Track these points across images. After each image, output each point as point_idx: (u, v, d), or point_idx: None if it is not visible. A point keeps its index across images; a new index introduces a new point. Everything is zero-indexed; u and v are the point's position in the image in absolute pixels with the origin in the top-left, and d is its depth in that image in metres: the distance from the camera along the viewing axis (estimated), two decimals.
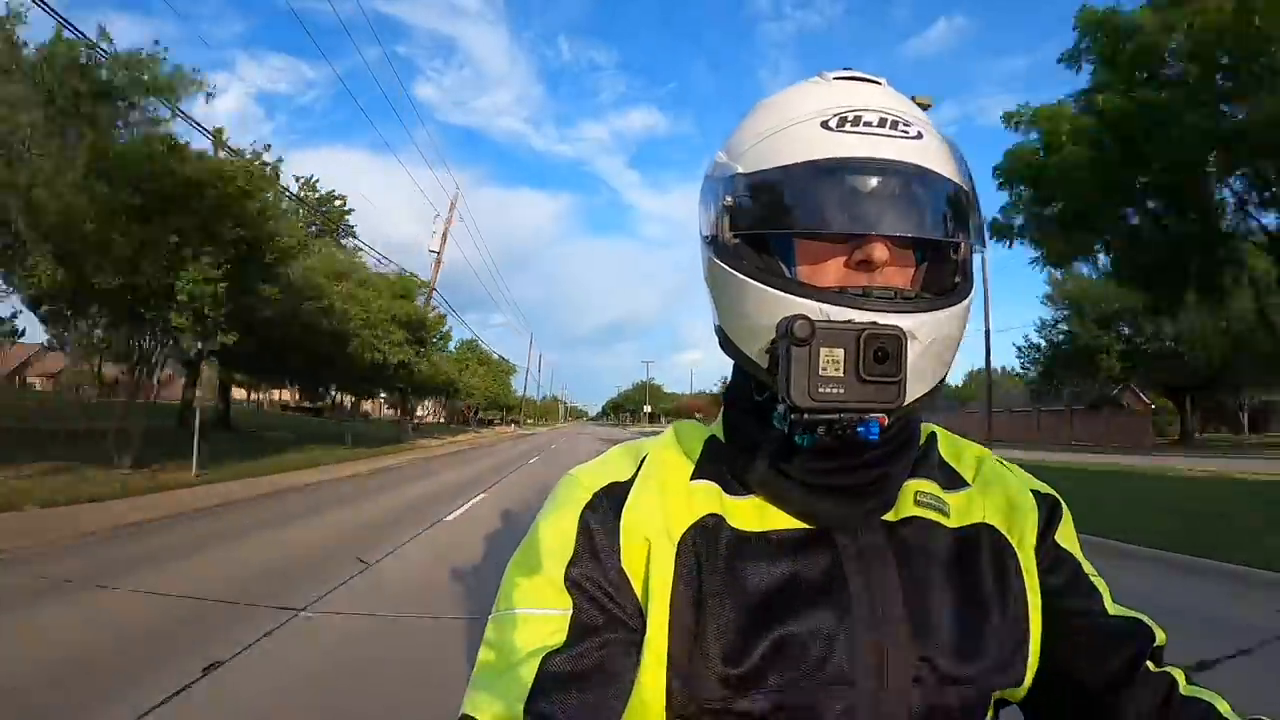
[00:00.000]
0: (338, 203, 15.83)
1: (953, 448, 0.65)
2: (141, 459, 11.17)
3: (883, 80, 0.56)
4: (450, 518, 8.31)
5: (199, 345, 10.70)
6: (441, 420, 63.16)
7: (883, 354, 0.45)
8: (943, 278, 0.54)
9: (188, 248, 9.74)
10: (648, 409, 79.14)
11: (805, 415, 0.45)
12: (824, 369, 0.44)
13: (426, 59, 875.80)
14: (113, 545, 6.01)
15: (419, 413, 49.44)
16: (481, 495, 10.54)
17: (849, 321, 0.46)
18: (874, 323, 0.46)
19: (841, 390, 0.44)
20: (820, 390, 0.44)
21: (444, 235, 26.35)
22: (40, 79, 7.46)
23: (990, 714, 0.57)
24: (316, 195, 13.95)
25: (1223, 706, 0.52)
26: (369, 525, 7.61)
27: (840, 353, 0.45)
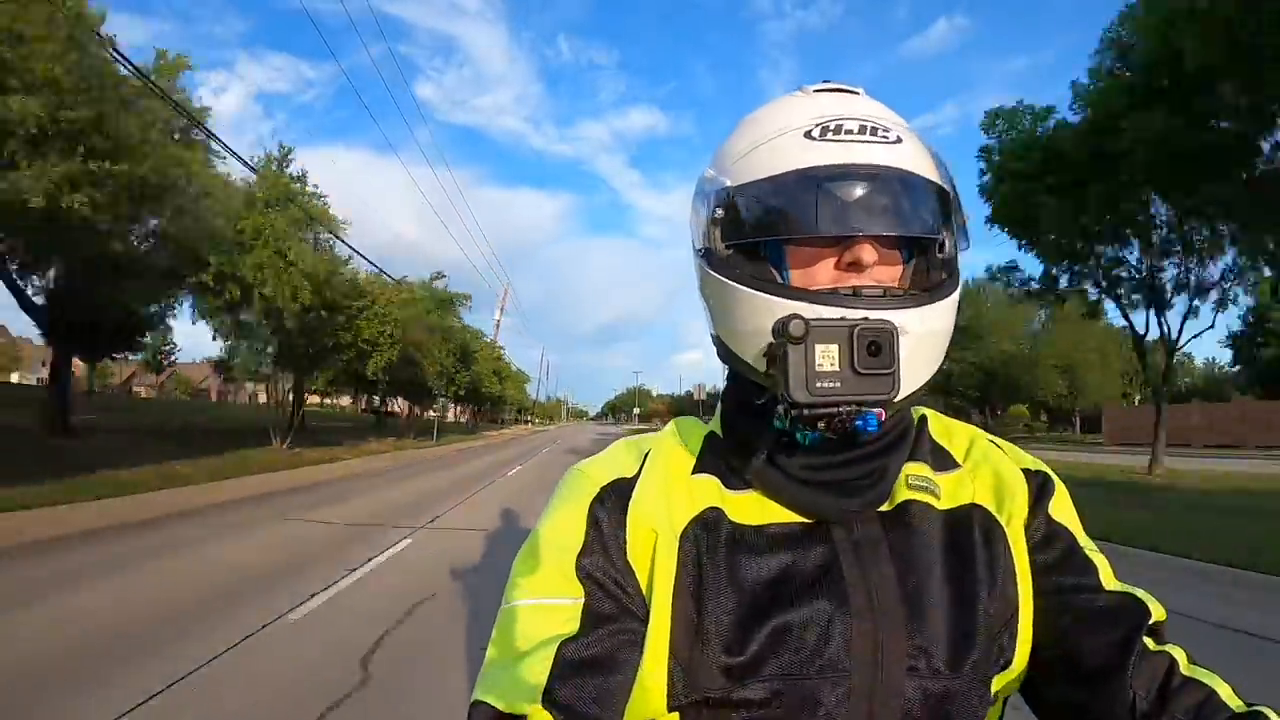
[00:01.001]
0: (442, 281, 32.02)
1: (944, 429, 0.65)
2: (405, 437, 27.13)
3: (860, 90, 0.58)
4: (544, 453, 24.56)
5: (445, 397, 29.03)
6: (466, 419, 79.70)
7: (876, 347, 0.46)
8: (930, 275, 0.56)
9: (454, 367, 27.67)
10: (637, 411, 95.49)
11: (805, 411, 0.47)
12: (820, 365, 0.46)
13: (426, 58, 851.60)
14: (448, 459, 21.86)
15: (450, 414, 66.18)
16: (548, 449, 26.62)
17: (842, 318, 0.48)
18: (865, 318, 0.48)
19: (838, 384, 0.46)
20: (818, 385, 0.46)
21: (501, 308, 42.91)
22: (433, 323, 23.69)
23: (999, 708, 0.57)
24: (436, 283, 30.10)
25: (1223, 689, 0.50)
26: (523, 453, 23.60)
27: (835, 348, 0.46)
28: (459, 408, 50.15)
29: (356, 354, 18.94)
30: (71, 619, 3.94)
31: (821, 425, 0.48)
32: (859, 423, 0.47)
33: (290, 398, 18.90)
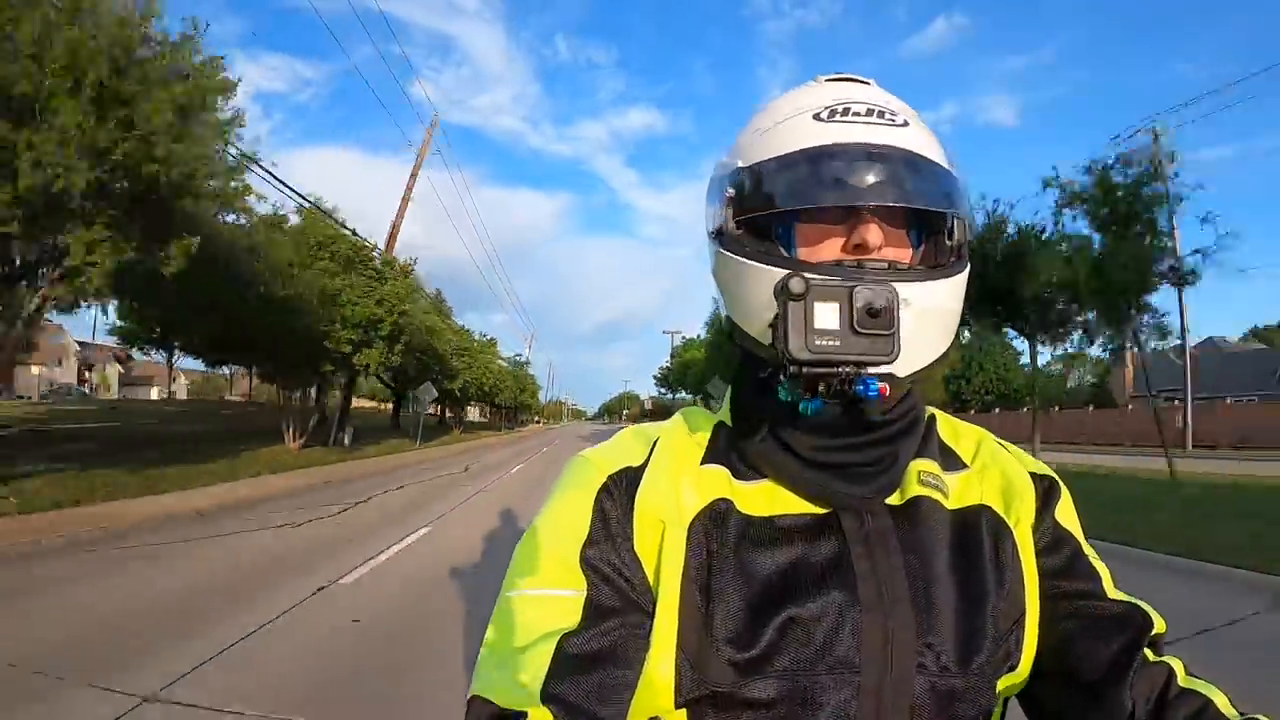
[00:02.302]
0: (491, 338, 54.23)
1: (952, 430, 0.65)
2: (477, 430, 49.46)
3: (872, 81, 0.60)
4: (563, 438, 47.20)
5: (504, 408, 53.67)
6: (486, 419, 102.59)
7: (875, 309, 0.46)
8: (938, 257, 0.57)
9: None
10: (626, 412, 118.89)
11: (803, 369, 0.46)
12: (819, 322, 0.46)
13: (423, 57, 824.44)
14: (526, 437, 44.19)
15: (472, 414, 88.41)
16: (562, 437, 48.42)
17: (841, 279, 0.48)
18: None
19: (836, 342, 0.46)
20: (816, 343, 0.46)
21: (529, 346, 65.18)
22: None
23: (1000, 707, 0.57)
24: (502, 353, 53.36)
25: (1220, 700, 0.51)
26: (553, 437, 45.95)
27: (834, 306, 0.46)
28: (480, 409, 70.30)
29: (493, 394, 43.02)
30: (476, 464, 23.97)
31: (821, 388, 0.48)
32: (859, 387, 0.47)
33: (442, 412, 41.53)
